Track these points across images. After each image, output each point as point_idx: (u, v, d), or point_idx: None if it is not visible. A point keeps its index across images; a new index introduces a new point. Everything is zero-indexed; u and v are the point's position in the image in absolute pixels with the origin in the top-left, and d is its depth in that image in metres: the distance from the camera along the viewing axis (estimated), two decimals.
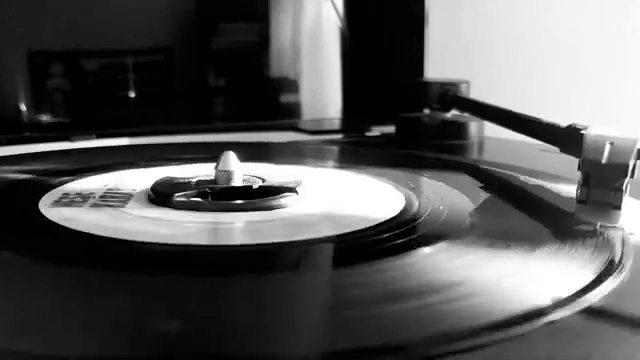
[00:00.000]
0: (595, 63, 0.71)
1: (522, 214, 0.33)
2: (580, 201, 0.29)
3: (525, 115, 0.42)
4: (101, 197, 0.32)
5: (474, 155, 0.50)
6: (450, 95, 0.54)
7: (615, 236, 0.27)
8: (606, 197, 0.28)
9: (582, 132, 0.31)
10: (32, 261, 0.25)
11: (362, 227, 0.28)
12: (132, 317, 0.20)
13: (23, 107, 0.55)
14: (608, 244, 0.26)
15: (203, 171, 0.34)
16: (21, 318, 0.20)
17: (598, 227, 0.28)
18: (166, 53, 0.61)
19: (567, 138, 0.34)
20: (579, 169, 0.29)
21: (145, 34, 0.60)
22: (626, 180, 0.28)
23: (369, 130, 0.60)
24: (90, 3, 0.58)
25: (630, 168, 0.28)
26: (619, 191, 0.28)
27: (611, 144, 0.28)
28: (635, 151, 0.28)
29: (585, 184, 0.28)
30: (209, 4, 0.63)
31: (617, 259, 0.24)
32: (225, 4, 0.63)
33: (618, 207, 0.28)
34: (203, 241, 0.26)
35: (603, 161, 0.28)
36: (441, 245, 0.26)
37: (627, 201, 0.29)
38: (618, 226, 0.28)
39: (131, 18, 0.59)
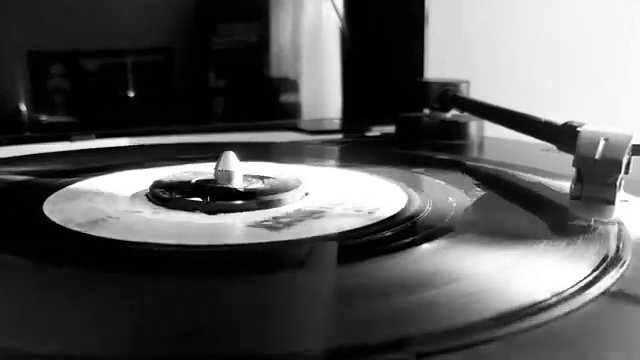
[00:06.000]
0: (595, 63, 0.71)
1: (520, 210, 0.33)
2: (574, 197, 0.29)
3: (523, 114, 0.42)
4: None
5: (474, 155, 0.50)
6: (450, 95, 0.54)
7: (614, 231, 0.27)
8: (599, 193, 0.28)
9: (578, 129, 0.31)
10: (33, 262, 0.25)
11: (362, 225, 0.28)
12: (131, 318, 0.20)
13: (23, 107, 0.55)
14: (607, 240, 0.26)
15: (203, 171, 0.34)
16: (21, 318, 0.20)
17: (592, 223, 0.28)
18: (166, 53, 0.61)
19: (564, 135, 0.34)
20: (574, 165, 0.29)
21: (145, 34, 0.60)
22: (620, 176, 0.28)
23: (369, 130, 0.60)
24: (90, 3, 0.58)
25: (624, 164, 0.28)
26: (612, 187, 0.28)
27: (605, 140, 0.28)
28: (629, 147, 0.28)
29: (579, 180, 0.28)
30: (209, 4, 0.63)
31: (616, 255, 0.25)
32: (225, 4, 0.63)
33: (611, 202, 0.28)
34: (203, 241, 0.26)
35: (597, 157, 0.28)
36: (440, 242, 0.26)
37: (620, 196, 0.29)
38: (616, 221, 0.28)
39: (131, 18, 0.59)
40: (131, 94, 0.59)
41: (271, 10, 0.64)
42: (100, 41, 0.58)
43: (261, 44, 0.63)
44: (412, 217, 0.29)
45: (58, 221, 0.29)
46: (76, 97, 0.58)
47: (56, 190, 0.34)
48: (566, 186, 0.32)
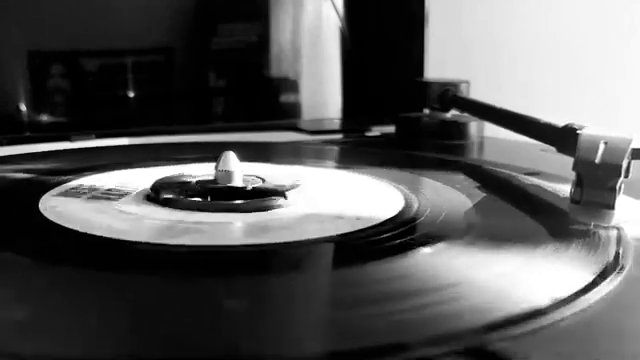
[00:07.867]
0: (595, 63, 0.71)
1: (520, 214, 0.33)
2: (574, 201, 0.29)
3: (523, 115, 0.42)
4: (101, 197, 0.33)
5: (474, 155, 0.50)
6: (450, 95, 0.54)
7: (614, 236, 0.27)
8: (599, 197, 0.28)
9: (578, 132, 0.31)
10: (30, 261, 0.25)
11: (361, 227, 0.28)
12: (130, 318, 0.20)
13: (23, 107, 0.55)
14: (607, 244, 0.26)
15: (203, 171, 0.34)
16: (20, 318, 0.20)
17: (592, 227, 0.28)
18: (166, 53, 0.61)
19: (563, 138, 0.34)
20: (573, 169, 0.29)
21: (145, 34, 0.60)
22: (619, 180, 0.28)
23: (369, 130, 0.60)
24: (90, 3, 0.58)
25: (623, 168, 0.28)
26: (612, 191, 0.28)
27: (605, 144, 0.28)
28: (629, 151, 0.28)
29: (579, 184, 0.28)
30: (209, 4, 0.63)
31: (616, 259, 0.24)
32: (225, 4, 0.63)
33: (611, 207, 0.28)
34: (203, 241, 0.26)
35: (597, 161, 0.28)
36: (439, 245, 0.26)
37: (621, 200, 0.29)
38: (615, 226, 0.28)
39: (131, 18, 0.59)
40: (131, 94, 0.59)
41: (271, 10, 0.63)
42: (100, 41, 0.58)
43: (261, 44, 0.63)
44: (411, 220, 0.29)
45: (54, 219, 0.29)
46: (76, 97, 0.58)
47: (52, 188, 0.34)
48: (566, 189, 0.32)
